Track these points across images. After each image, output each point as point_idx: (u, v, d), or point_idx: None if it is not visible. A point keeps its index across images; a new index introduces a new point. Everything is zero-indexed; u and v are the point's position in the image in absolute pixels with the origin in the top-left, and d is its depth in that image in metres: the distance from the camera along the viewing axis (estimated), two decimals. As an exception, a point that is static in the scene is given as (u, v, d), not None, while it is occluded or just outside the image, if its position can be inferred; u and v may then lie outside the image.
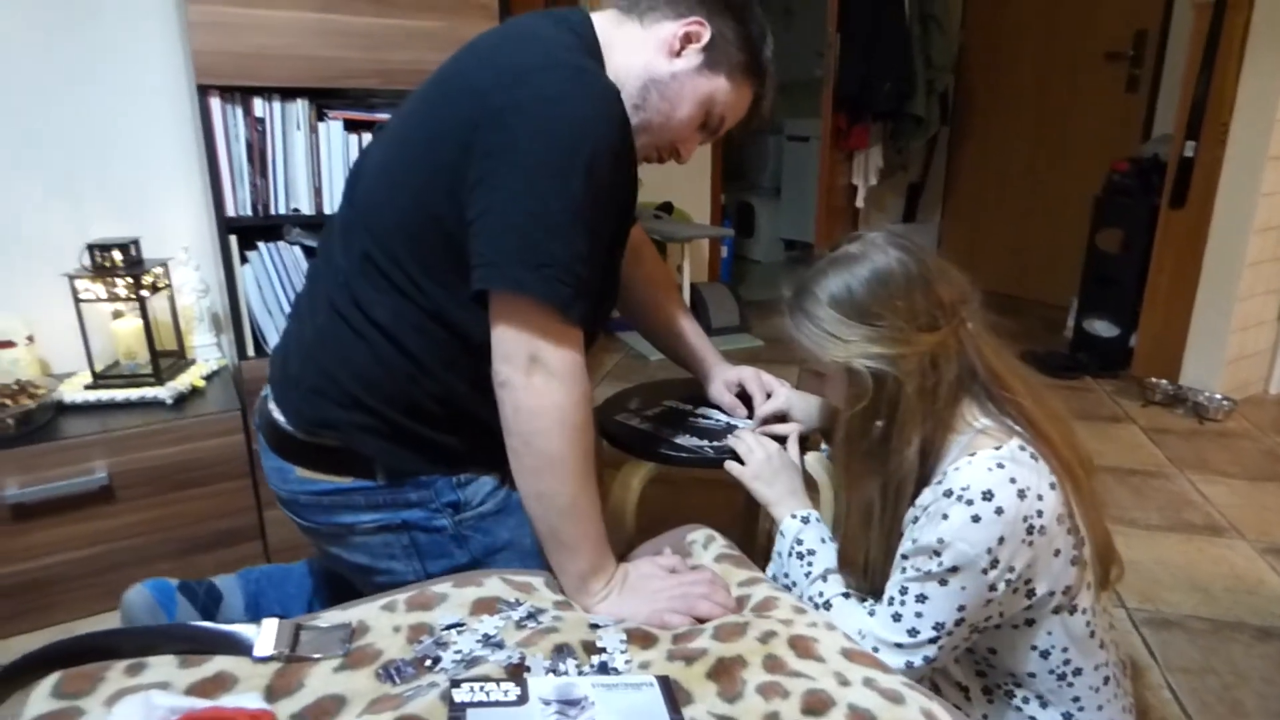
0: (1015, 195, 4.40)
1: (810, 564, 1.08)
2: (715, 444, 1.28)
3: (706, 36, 1.07)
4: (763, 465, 1.19)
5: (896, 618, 0.95)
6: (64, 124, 1.89)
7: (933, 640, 0.93)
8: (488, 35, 1.07)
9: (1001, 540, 0.89)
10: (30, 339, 1.87)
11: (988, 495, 0.88)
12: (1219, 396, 2.81)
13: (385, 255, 1.02)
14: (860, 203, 4.45)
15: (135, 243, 1.80)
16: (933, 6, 4.11)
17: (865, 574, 1.03)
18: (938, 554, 0.90)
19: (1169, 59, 3.63)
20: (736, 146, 5.89)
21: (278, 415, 1.12)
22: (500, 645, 0.85)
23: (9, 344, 1.82)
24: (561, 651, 0.83)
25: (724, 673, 0.83)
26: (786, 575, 1.11)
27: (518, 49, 1.01)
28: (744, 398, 1.40)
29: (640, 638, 0.88)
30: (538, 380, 0.94)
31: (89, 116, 1.91)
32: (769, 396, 1.36)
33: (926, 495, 0.95)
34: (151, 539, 1.72)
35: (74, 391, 1.78)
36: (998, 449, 0.92)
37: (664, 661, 0.84)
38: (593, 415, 0.99)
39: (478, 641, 0.86)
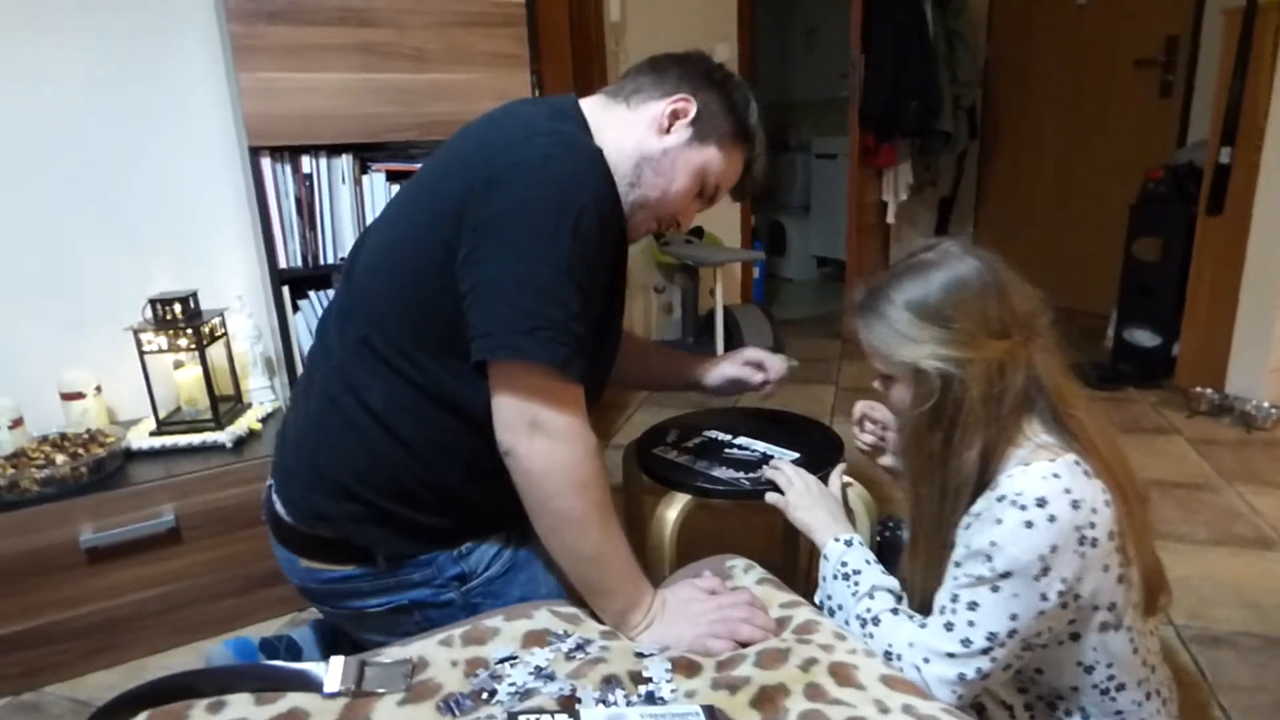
0: (1049, 205, 4.38)
1: (856, 583, 1.09)
2: (751, 475, 1.31)
3: (693, 111, 1.11)
4: (802, 494, 1.22)
5: (949, 626, 0.95)
6: (126, 186, 2.00)
7: (985, 651, 0.93)
8: (475, 121, 1.12)
9: (1054, 548, 0.90)
10: (98, 389, 1.97)
11: (1041, 502, 0.90)
12: (1267, 405, 2.75)
13: (382, 336, 1.05)
14: (891, 218, 4.45)
15: (194, 295, 1.90)
16: (957, 23, 4.12)
17: (923, 582, 1.05)
18: (989, 559, 0.91)
19: (1201, 64, 3.59)
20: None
21: (279, 507, 1.15)
22: (551, 677, 0.89)
23: (79, 395, 1.92)
24: (610, 682, 0.87)
25: (767, 701, 0.86)
26: (831, 598, 1.12)
27: (502, 127, 1.05)
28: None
29: (684, 666, 0.92)
30: (540, 444, 0.96)
31: (148, 178, 2.02)
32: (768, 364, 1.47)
33: (980, 503, 0.96)
34: (216, 577, 1.79)
35: (140, 438, 1.86)
36: (1053, 461, 0.93)
37: (708, 690, 0.87)
38: (603, 466, 1.01)
39: (530, 674, 0.91)
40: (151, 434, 1.88)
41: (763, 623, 1.01)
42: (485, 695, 0.88)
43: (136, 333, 1.83)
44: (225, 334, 1.99)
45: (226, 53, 1.85)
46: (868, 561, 1.12)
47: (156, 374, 1.89)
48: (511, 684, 0.89)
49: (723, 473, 1.33)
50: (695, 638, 0.98)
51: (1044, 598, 0.92)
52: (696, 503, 1.31)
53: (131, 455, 1.84)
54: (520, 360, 0.95)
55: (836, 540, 1.15)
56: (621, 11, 3.48)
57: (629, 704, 0.84)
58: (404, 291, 1.04)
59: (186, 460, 1.81)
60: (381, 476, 1.08)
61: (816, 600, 1.13)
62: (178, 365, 1.95)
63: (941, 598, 0.98)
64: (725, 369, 1.49)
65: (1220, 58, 2.83)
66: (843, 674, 0.91)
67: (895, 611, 1.04)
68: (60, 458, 1.70)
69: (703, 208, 1.21)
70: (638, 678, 0.89)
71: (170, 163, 2.03)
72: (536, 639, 0.98)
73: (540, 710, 0.81)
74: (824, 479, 1.28)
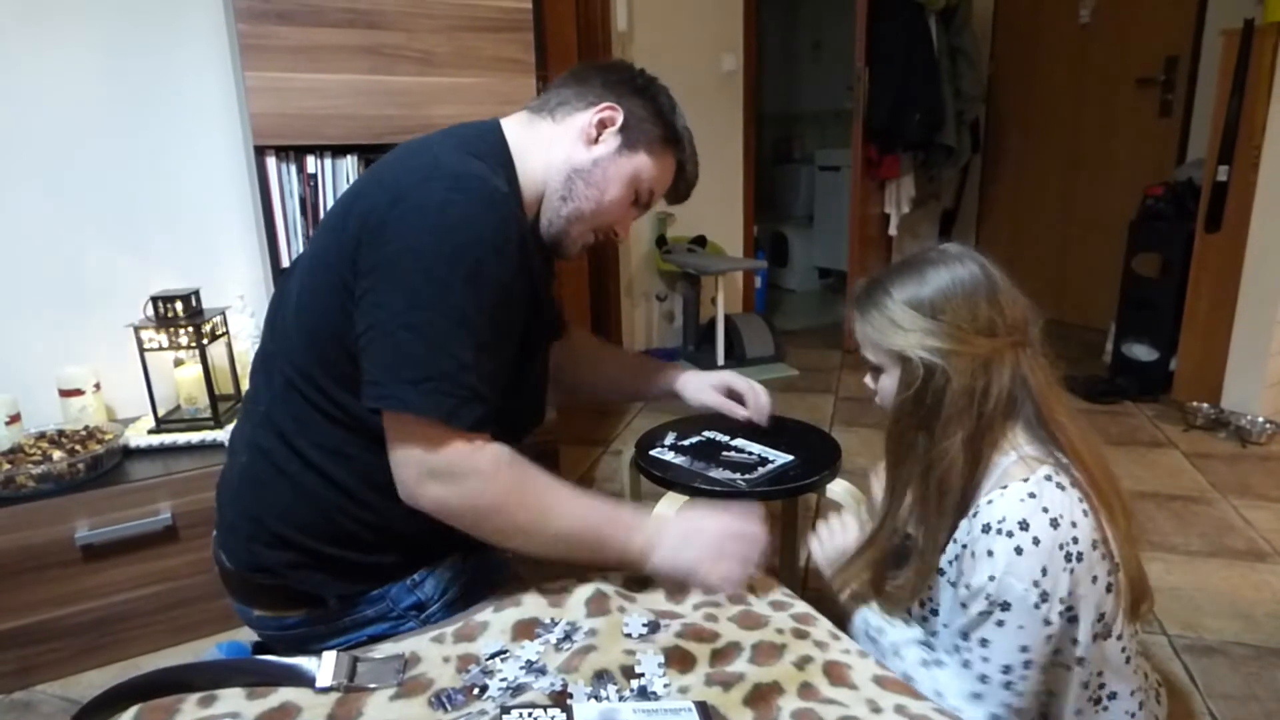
0: (1050, 220, 4.40)
1: (878, 642, 1.09)
2: (748, 476, 1.32)
3: (620, 119, 1.10)
4: (836, 555, 1.21)
5: (966, 664, 0.97)
6: (129, 183, 2.01)
7: (1006, 685, 0.95)
8: (386, 155, 1.10)
9: (1045, 571, 0.91)
10: (97, 386, 1.97)
11: (1024, 525, 0.92)
12: (1261, 419, 2.77)
13: (304, 378, 1.03)
14: (893, 231, 4.48)
15: (196, 293, 1.91)
16: (960, 38, 4.15)
17: (891, 564, 1.07)
18: (989, 595, 0.93)
19: (1200, 83, 3.63)
20: (768, 177, 5.98)
21: (223, 559, 1.14)
22: (543, 671, 0.89)
23: (78, 392, 1.93)
24: (602, 678, 0.87)
25: (760, 699, 0.86)
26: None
27: (406, 164, 1.02)
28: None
29: (678, 660, 0.92)
30: (435, 490, 0.96)
31: (153, 175, 2.03)
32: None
33: (963, 529, 0.98)
34: (212, 576, 1.73)
35: (138, 436, 1.87)
36: (1025, 480, 0.95)
37: (702, 686, 0.87)
38: (514, 469, 1.00)
39: (521, 668, 0.91)
40: (150, 432, 1.89)
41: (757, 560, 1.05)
42: (477, 690, 0.88)
43: (137, 330, 1.84)
44: (226, 333, 1.99)
45: (234, 52, 1.86)
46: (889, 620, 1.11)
47: (156, 372, 1.90)
48: (503, 679, 0.89)
49: (719, 474, 1.33)
50: (697, 562, 1.03)
51: (1047, 622, 0.93)
52: (694, 504, 1.31)
53: (130, 453, 1.84)
54: (406, 413, 0.94)
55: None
56: (629, 21, 3.50)
57: (621, 699, 0.84)
58: (316, 334, 1.03)
59: (185, 458, 1.82)
60: (319, 522, 1.06)
61: None
62: (178, 363, 1.96)
63: (950, 638, 1.00)
64: (706, 395, 1.47)
65: (1219, 77, 2.86)
66: (836, 673, 0.91)
67: (925, 664, 1.04)
68: (57, 454, 1.70)
69: (638, 215, 1.20)
70: (630, 672, 0.89)
71: (175, 160, 2.05)
72: (525, 630, 0.98)
73: (532, 705, 0.81)
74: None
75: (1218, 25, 3.16)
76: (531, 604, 1.03)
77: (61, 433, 1.82)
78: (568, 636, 0.96)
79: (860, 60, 3.79)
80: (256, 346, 2.08)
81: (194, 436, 1.87)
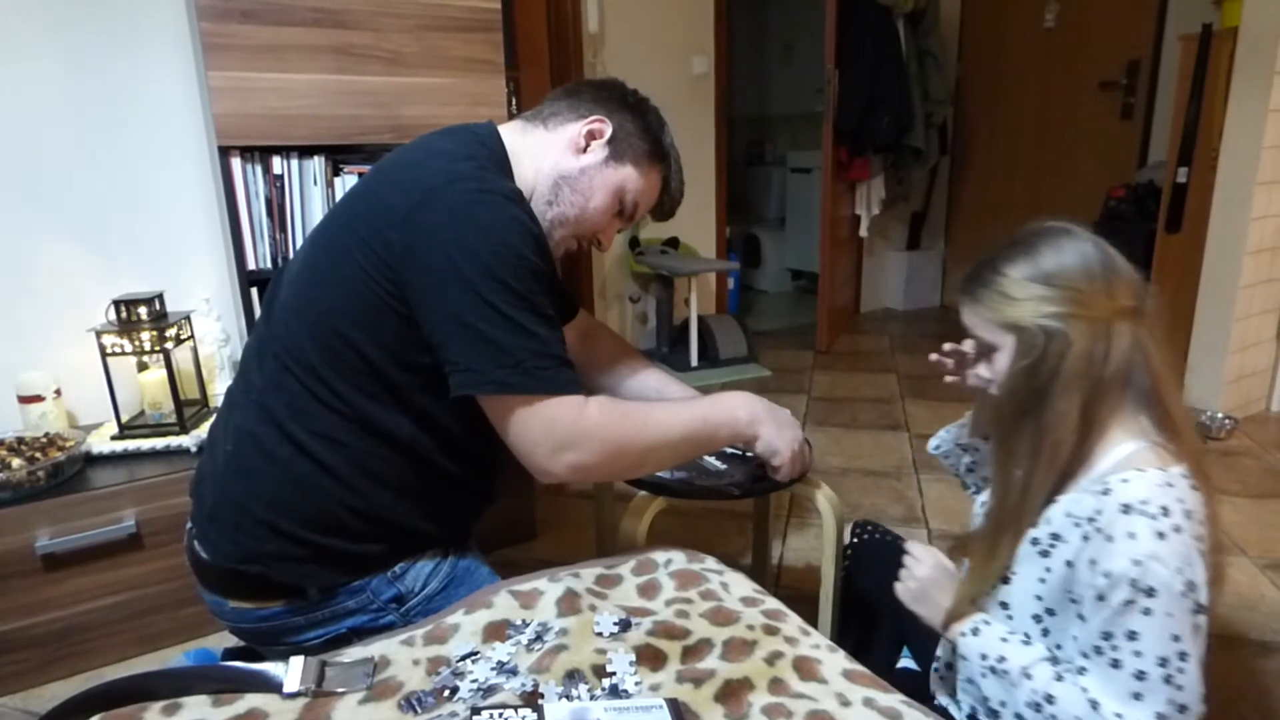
0: (1016, 221, 4.31)
1: (1007, 670, 0.98)
2: (726, 471, 1.33)
3: (609, 131, 1.15)
4: (915, 582, 1.12)
5: (1115, 664, 0.88)
6: (91, 185, 1.97)
7: (1166, 680, 0.85)
8: (392, 155, 1.14)
9: (1189, 559, 0.87)
10: (58, 392, 1.93)
11: (1166, 511, 0.88)
12: (1221, 415, 2.83)
13: (301, 366, 1.06)
14: (864, 232, 4.52)
15: (159, 297, 1.88)
16: (927, 41, 4.21)
17: (992, 548, 1.02)
18: (1133, 580, 0.86)
19: (1161, 87, 3.70)
20: (740, 179, 6.01)
21: (201, 551, 1.14)
22: (514, 671, 0.89)
23: (38, 398, 1.89)
24: (573, 677, 0.87)
25: (731, 695, 0.86)
26: (987, 700, 1.00)
27: (422, 166, 1.06)
28: None
29: (649, 658, 0.92)
30: (569, 458, 1.01)
31: (115, 178, 2.00)
32: None
33: (1088, 503, 0.93)
34: (178, 584, 1.76)
35: (101, 442, 1.83)
36: (1163, 470, 0.91)
37: (673, 684, 0.88)
38: (611, 408, 1.06)
39: (492, 669, 0.90)
40: (113, 438, 1.85)
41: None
42: (447, 693, 0.87)
43: (99, 334, 1.80)
44: (191, 336, 1.96)
45: (197, 51, 1.83)
46: (1004, 640, 1.00)
47: (119, 377, 1.86)
48: (474, 681, 0.89)
49: (689, 474, 1.33)
50: (795, 447, 1.23)
51: (1196, 611, 0.87)
52: (666, 505, 1.32)
53: (92, 459, 1.81)
54: (512, 394, 0.99)
55: (964, 635, 1.03)
56: (600, 23, 3.50)
57: (592, 698, 0.84)
58: (320, 327, 1.05)
59: (149, 464, 1.78)
60: (308, 508, 1.07)
61: (964, 710, 1.05)
62: (142, 368, 1.92)
63: (1088, 640, 0.91)
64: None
65: (1178, 81, 2.92)
66: (806, 668, 0.92)
67: (1060, 678, 0.94)
68: (16, 461, 1.67)
69: (623, 227, 1.24)
70: (601, 671, 0.89)
71: (137, 161, 2.01)
72: (496, 632, 0.98)
73: (503, 706, 0.81)
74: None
75: (1177, 30, 3.23)
76: (503, 605, 1.03)
77: (21, 440, 1.78)
78: (539, 637, 0.96)
79: (830, 62, 3.82)
80: (225, 347, 2.07)
81: (159, 442, 1.84)
